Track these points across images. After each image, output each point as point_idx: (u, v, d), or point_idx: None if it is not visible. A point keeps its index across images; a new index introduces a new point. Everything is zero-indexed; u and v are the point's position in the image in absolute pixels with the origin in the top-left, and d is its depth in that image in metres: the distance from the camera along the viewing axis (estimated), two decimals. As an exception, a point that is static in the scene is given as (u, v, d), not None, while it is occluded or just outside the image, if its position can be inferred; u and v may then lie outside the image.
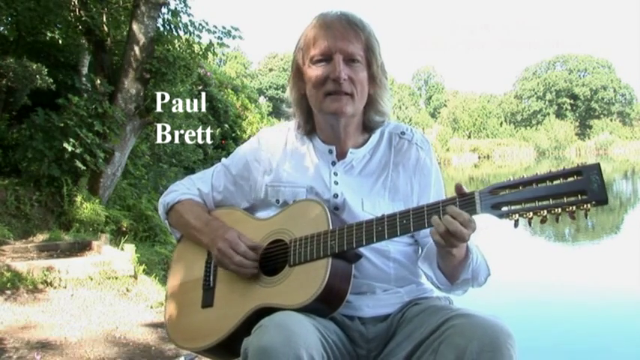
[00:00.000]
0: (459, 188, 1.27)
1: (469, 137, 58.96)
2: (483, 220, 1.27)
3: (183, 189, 1.68)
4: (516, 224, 1.22)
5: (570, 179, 1.17)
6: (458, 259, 1.35)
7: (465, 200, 1.25)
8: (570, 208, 1.16)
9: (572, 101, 66.10)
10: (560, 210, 1.17)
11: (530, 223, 1.21)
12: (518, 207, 1.21)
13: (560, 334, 5.01)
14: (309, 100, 1.51)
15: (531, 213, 1.19)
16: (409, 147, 1.54)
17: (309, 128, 1.57)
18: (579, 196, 1.15)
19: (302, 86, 1.52)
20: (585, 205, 1.15)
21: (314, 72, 1.46)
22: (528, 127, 61.55)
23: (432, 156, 1.57)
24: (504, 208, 1.22)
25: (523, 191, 1.21)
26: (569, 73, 67.46)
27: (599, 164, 1.16)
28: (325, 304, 1.33)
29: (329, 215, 1.39)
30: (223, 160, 1.70)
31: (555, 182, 1.18)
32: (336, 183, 1.49)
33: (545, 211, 1.18)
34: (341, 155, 1.53)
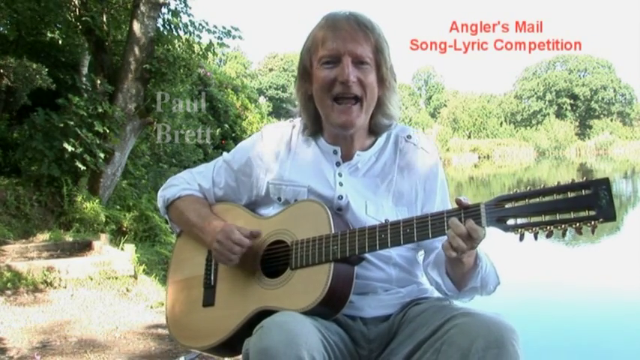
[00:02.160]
0: (458, 202, 1.26)
1: (469, 137, 58.91)
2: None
3: (184, 184, 1.66)
4: (522, 238, 1.20)
5: (578, 193, 1.14)
6: (467, 266, 1.34)
7: (470, 213, 1.24)
8: (577, 224, 1.14)
9: (572, 101, 66.01)
10: (566, 225, 1.15)
11: (536, 238, 1.19)
12: (524, 221, 1.19)
13: (560, 334, 5.01)
14: (316, 102, 1.49)
15: (537, 228, 1.17)
16: (415, 151, 1.52)
17: (316, 129, 1.55)
18: (587, 211, 1.13)
19: (309, 88, 1.50)
20: (593, 222, 1.12)
21: (322, 73, 1.44)
22: (528, 127, 61.49)
23: (438, 161, 1.55)
24: (510, 222, 1.20)
25: (529, 204, 1.18)
26: (569, 73, 67.37)
27: (608, 179, 1.13)
28: (327, 308, 1.33)
29: (331, 218, 1.38)
30: (225, 155, 1.67)
31: (562, 195, 1.16)
32: (340, 184, 1.48)
33: (552, 226, 1.16)
34: (346, 157, 1.51)
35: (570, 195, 1.15)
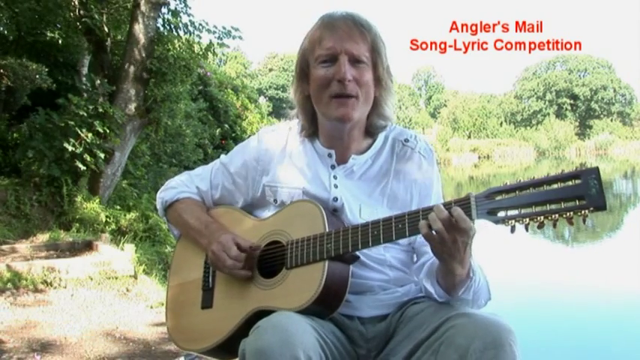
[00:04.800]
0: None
1: (469, 137, 58.81)
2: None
3: (182, 186, 1.67)
4: (513, 230, 1.20)
5: (568, 183, 1.15)
6: (459, 278, 1.32)
7: (460, 204, 1.23)
8: (568, 213, 1.14)
9: (572, 101, 65.95)
10: (557, 216, 1.15)
11: (527, 229, 1.19)
12: (514, 212, 1.18)
13: (560, 334, 5.01)
14: (314, 102, 1.49)
15: (528, 219, 1.17)
16: (412, 155, 1.52)
17: (313, 130, 1.55)
18: (577, 201, 1.13)
19: (306, 88, 1.50)
20: (583, 211, 1.12)
21: (319, 72, 1.44)
22: (528, 127, 61.41)
23: (435, 166, 1.55)
24: (501, 214, 1.20)
25: (520, 196, 1.18)
26: (569, 73, 67.30)
27: (597, 168, 1.13)
28: (323, 307, 1.34)
29: (325, 217, 1.39)
30: (222, 157, 1.68)
31: (553, 186, 1.16)
32: (335, 186, 1.48)
33: (543, 217, 1.16)
34: (342, 160, 1.51)
35: (560, 185, 1.15)
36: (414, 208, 1.47)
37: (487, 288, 1.40)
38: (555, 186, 1.16)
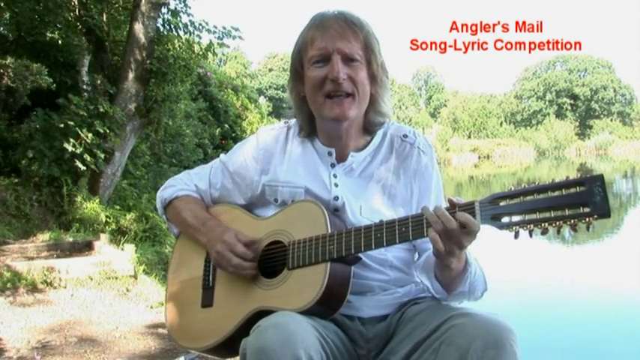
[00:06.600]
0: (451, 202, 1.26)
1: (469, 137, 58.78)
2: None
3: (181, 184, 1.67)
4: (517, 236, 1.19)
5: (572, 190, 1.14)
6: (456, 271, 1.33)
7: (464, 210, 1.23)
8: (572, 221, 1.13)
9: (572, 101, 65.93)
10: (561, 223, 1.15)
11: (530, 235, 1.19)
12: (518, 218, 1.18)
13: (560, 334, 5.01)
14: (309, 103, 1.49)
15: (532, 225, 1.17)
16: (411, 150, 1.52)
17: (311, 130, 1.55)
18: (581, 208, 1.13)
19: (301, 89, 1.50)
20: (587, 219, 1.12)
21: (312, 73, 1.44)
22: (528, 127, 61.41)
23: (434, 160, 1.55)
24: (505, 219, 1.20)
25: (524, 202, 1.18)
26: (569, 73, 67.28)
27: (602, 175, 1.13)
28: (325, 307, 1.33)
29: (328, 218, 1.39)
30: (222, 156, 1.68)
31: (557, 193, 1.16)
32: (336, 185, 1.48)
33: (546, 224, 1.15)
34: (341, 158, 1.51)
35: (565, 192, 1.15)
36: (414, 203, 1.49)
37: (483, 279, 1.40)
38: (559, 192, 1.16)
